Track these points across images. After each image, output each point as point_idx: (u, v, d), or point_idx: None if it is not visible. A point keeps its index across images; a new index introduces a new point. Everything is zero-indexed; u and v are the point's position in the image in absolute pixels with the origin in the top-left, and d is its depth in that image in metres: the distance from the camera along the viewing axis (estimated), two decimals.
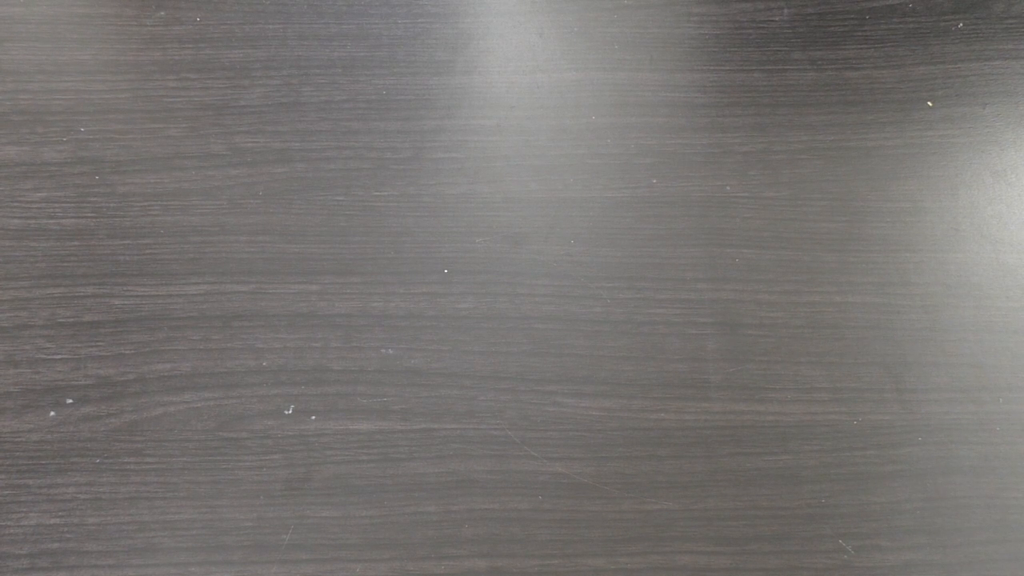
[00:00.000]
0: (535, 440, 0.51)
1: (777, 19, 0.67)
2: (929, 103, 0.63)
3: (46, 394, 0.51)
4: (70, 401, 0.51)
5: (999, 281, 0.56)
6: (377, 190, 0.59)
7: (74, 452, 0.50)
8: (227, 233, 0.57)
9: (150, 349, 0.53)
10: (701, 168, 0.60)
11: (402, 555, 0.48)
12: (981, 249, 0.57)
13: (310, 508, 0.49)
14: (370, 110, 0.62)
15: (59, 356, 0.52)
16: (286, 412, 0.51)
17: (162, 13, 0.65)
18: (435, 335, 0.54)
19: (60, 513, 0.48)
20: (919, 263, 0.57)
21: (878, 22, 0.66)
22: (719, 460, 0.50)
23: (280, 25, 0.65)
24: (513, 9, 0.67)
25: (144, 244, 0.56)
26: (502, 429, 0.51)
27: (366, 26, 0.65)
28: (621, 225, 0.58)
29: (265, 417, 0.51)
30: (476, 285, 0.55)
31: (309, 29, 0.65)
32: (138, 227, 0.57)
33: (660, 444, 0.51)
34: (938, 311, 0.55)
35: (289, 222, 0.57)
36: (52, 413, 0.51)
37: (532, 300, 0.55)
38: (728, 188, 0.59)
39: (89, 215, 0.57)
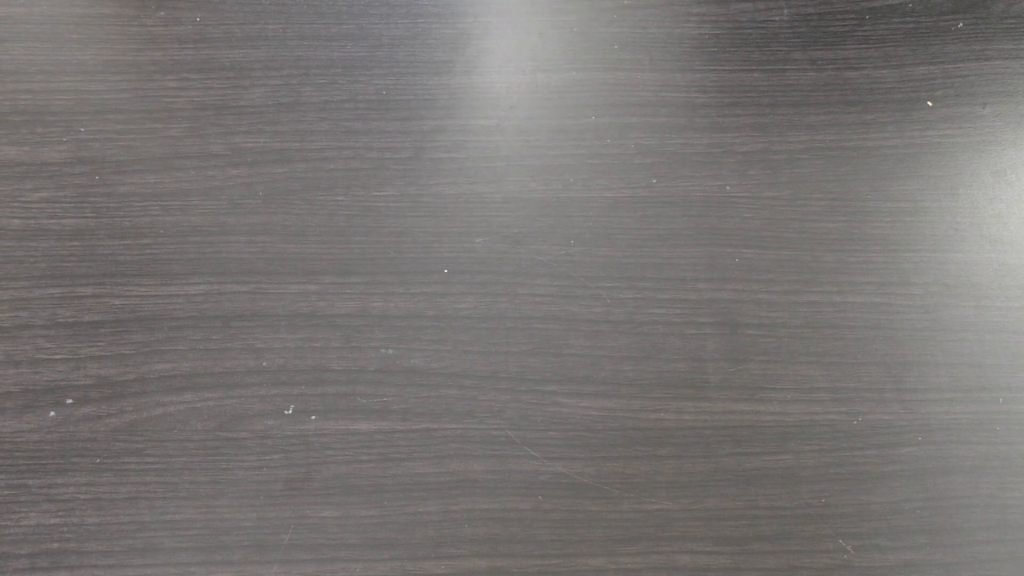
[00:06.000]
0: (535, 440, 0.51)
1: (777, 19, 0.67)
2: (929, 103, 0.63)
3: (46, 394, 0.51)
4: (70, 401, 0.51)
5: (999, 281, 0.56)
6: (377, 190, 0.59)
7: (74, 452, 0.50)
8: (227, 233, 0.57)
9: (150, 349, 0.53)
10: (701, 168, 0.60)
11: (402, 555, 0.48)
12: (981, 249, 0.57)
13: (310, 508, 0.49)
14: (370, 110, 0.62)
15: (59, 356, 0.52)
16: (286, 412, 0.51)
17: (162, 13, 0.65)
18: (435, 335, 0.54)
19: (60, 513, 0.48)
20: (919, 263, 0.57)
21: (878, 22, 0.66)
22: (719, 460, 0.50)
23: (280, 25, 0.65)
24: (513, 9, 0.67)
25: (144, 244, 0.56)
26: (502, 429, 0.51)
27: (366, 26, 0.65)
28: (621, 225, 0.58)
29: (265, 417, 0.51)
30: (476, 285, 0.55)
31: (309, 29, 0.65)
32: (138, 227, 0.57)
33: (660, 444, 0.51)
34: (938, 311, 0.55)
35: (289, 222, 0.57)
36: (52, 413, 0.51)
37: (532, 300, 0.55)
38: (728, 188, 0.59)
39: (89, 215, 0.57)
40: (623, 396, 0.52)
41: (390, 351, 0.53)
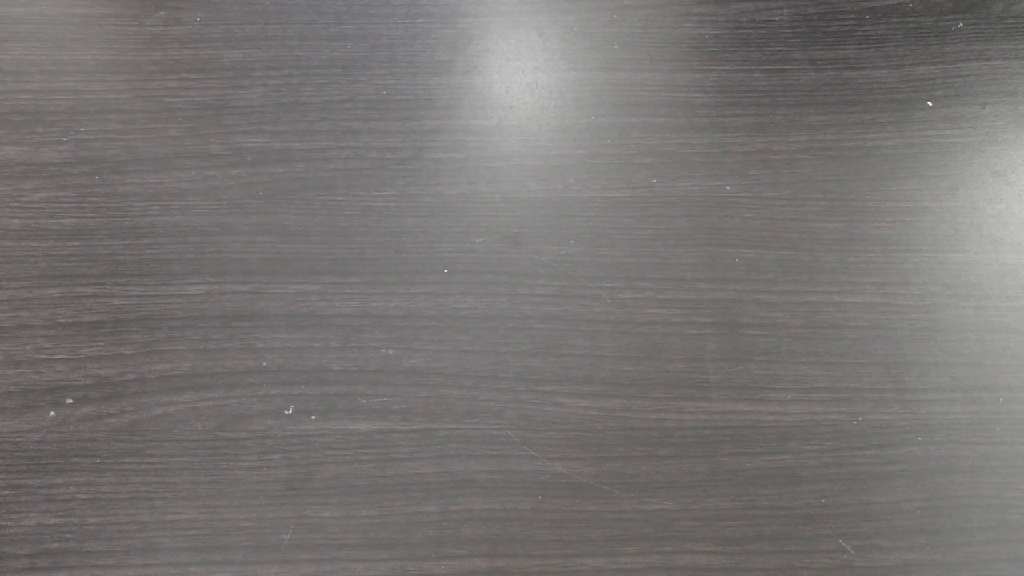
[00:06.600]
0: (535, 440, 0.51)
1: (777, 19, 0.67)
2: (929, 103, 0.63)
3: (46, 394, 0.51)
4: (70, 401, 0.51)
5: (999, 281, 0.56)
6: (377, 190, 0.59)
7: (74, 452, 0.50)
8: (227, 233, 0.57)
9: (150, 349, 0.53)
10: (701, 168, 0.60)
11: (402, 555, 0.48)
12: (981, 249, 0.57)
13: (310, 508, 0.49)
14: (370, 110, 0.62)
15: (59, 356, 0.52)
16: (286, 412, 0.51)
17: (162, 13, 0.65)
18: (435, 335, 0.54)
19: (60, 513, 0.48)
20: (919, 263, 0.57)
21: (878, 22, 0.66)
22: (719, 460, 0.50)
23: (280, 25, 0.65)
24: (513, 9, 0.67)
25: (144, 244, 0.56)
26: (502, 429, 0.51)
27: (366, 26, 0.65)
28: (621, 225, 0.58)
29: (265, 417, 0.51)
30: (476, 285, 0.55)
31: (309, 29, 0.65)
32: (138, 227, 0.57)
33: (660, 444, 0.51)
34: (938, 311, 0.55)
35: (289, 222, 0.57)
36: (52, 413, 0.51)
37: (532, 300, 0.55)
38: (728, 188, 0.59)
39: (89, 215, 0.57)
40: (623, 396, 0.52)
41: (390, 351, 0.53)
